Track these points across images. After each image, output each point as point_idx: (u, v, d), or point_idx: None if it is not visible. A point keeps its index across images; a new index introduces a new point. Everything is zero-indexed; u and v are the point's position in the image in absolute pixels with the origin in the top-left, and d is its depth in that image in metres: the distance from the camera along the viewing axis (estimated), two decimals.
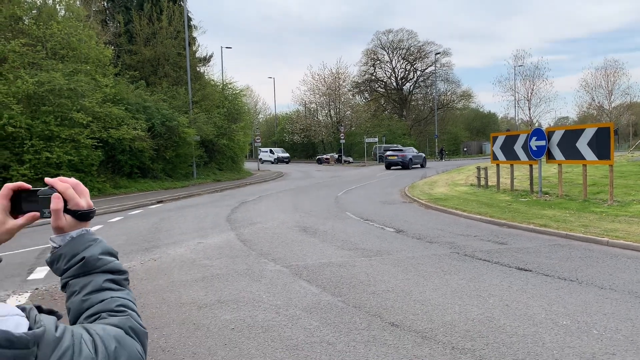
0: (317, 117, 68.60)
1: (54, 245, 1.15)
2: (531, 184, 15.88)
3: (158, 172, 27.14)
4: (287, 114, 73.54)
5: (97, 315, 1.07)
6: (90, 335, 0.96)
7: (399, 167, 38.69)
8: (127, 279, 1.20)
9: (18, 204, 1.13)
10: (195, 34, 38.04)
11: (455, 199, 16.27)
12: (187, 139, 27.79)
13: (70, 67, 21.74)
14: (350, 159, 56.92)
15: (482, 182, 18.98)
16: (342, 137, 54.35)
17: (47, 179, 1.16)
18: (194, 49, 37.64)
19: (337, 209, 15.72)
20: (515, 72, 36.07)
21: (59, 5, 25.03)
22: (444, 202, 15.65)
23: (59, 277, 1.16)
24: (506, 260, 8.07)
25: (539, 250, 8.82)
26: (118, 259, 1.21)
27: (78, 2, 27.95)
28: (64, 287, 1.15)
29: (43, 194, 1.13)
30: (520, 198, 15.04)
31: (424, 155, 44.60)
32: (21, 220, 1.13)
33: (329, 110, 67.58)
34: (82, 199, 1.15)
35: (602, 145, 12.71)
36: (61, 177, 1.17)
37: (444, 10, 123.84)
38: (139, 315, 1.13)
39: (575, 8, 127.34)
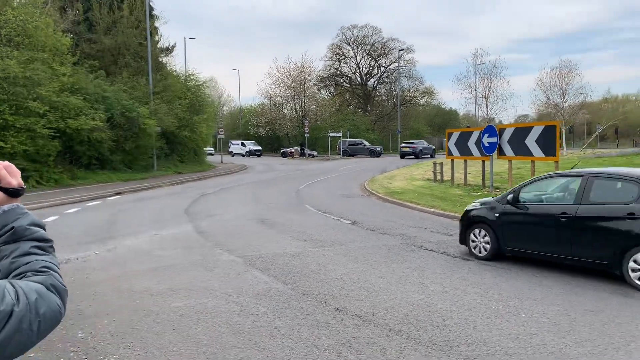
0: (282, 111, 68.56)
1: None
2: (483, 179, 16.49)
3: (117, 163, 26.74)
4: (252, 106, 73.24)
5: (23, 274, 1.26)
6: (14, 287, 1.15)
7: (412, 156, 42.98)
8: (52, 247, 1.39)
9: None
10: (157, 24, 37.46)
11: (412, 192, 16.73)
12: (147, 130, 27.43)
13: (26, 55, 21.18)
14: (315, 153, 57.17)
15: (438, 177, 19.54)
16: (307, 131, 54.56)
17: None
18: (156, 39, 37.10)
19: (297, 202, 15.95)
20: (475, 70, 37.02)
21: None
22: (400, 195, 16.08)
23: None
24: (452, 251, 8.46)
25: None
26: (45, 230, 1.40)
27: None
28: None
29: None
30: (473, 192, 15.60)
31: (433, 147, 48.02)
32: None
33: (294, 104, 67.65)
34: (13, 178, 1.34)
35: (548, 143, 13.32)
36: None
37: (410, 7, 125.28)
38: (60, 276, 1.32)
39: (538, 9, 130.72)
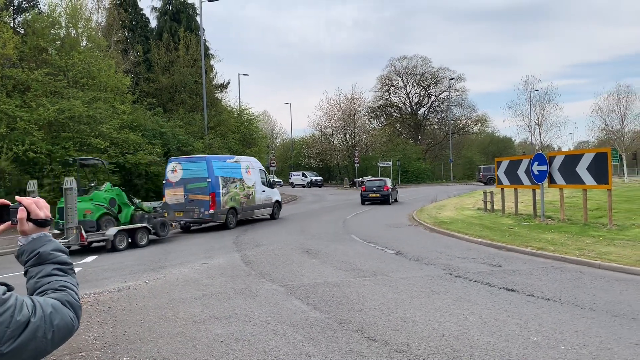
0: (333, 142, 69.31)
1: (20, 243, 1.60)
2: (534, 208, 16.06)
3: None
4: (303, 138, 74.40)
5: (44, 292, 1.50)
6: (32, 301, 1.38)
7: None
8: (72, 269, 1.63)
9: None
10: (212, 62, 39.23)
11: (460, 222, 16.50)
12: None
13: (90, 95, 22.70)
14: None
15: (489, 207, 19.17)
16: (357, 161, 54.80)
17: (17, 197, 1.59)
18: (211, 76, 38.78)
19: (342, 232, 16.05)
20: (526, 98, 36.38)
21: (82, 37, 26.19)
22: (448, 225, 15.89)
23: (23, 267, 1.59)
24: (496, 282, 8.32)
25: (531, 272, 9.04)
26: (67, 255, 1.64)
27: (100, 34, 29.18)
28: (25, 273, 1.59)
29: (13, 207, 1.58)
30: (523, 222, 15.21)
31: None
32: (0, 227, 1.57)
33: (345, 135, 68.28)
34: (41, 211, 1.58)
35: (600, 171, 12.91)
36: (27, 197, 1.60)
37: (460, 35, 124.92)
38: (77, 294, 1.55)
39: (594, 32, 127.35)
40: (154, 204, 16.92)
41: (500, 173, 17.88)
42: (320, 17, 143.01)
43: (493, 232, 13.82)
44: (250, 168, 20.51)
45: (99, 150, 21.72)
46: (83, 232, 13.19)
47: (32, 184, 14.16)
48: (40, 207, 1.60)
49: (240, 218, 19.32)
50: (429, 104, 76.31)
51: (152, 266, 10.76)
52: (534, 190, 16.11)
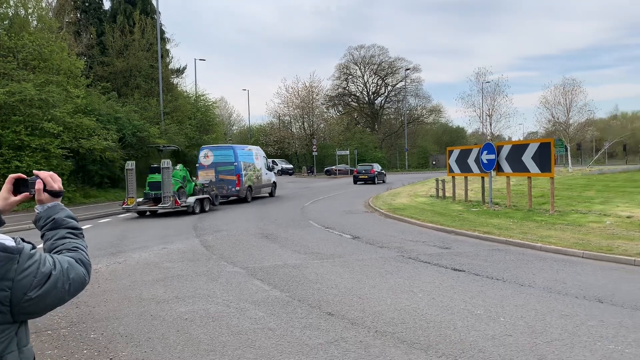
0: (291, 130, 69.44)
1: (37, 211, 1.85)
2: (483, 195, 16.87)
3: None
4: (261, 126, 74.20)
5: (60, 252, 1.76)
6: (52, 257, 1.64)
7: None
8: (81, 233, 1.90)
9: (17, 187, 1.84)
10: (168, 46, 38.57)
11: (413, 208, 17.14)
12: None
13: (42, 78, 22.06)
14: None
15: (441, 194, 19.93)
16: (315, 150, 55.24)
17: (34, 171, 1.85)
18: (167, 61, 38.14)
19: (301, 218, 16.40)
20: (479, 89, 37.63)
21: (31, 17, 25.32)
22: (402, 211, 16.49)
23: (40, 231, 1.84)
24: (445, 262, 8.86)
25: (478, 254, 9.64)
26: (77, 221, 1.89)
27: (50, 14, 28.25)
28: (42, 236, 1.85)
29: (31, 180, 1.83)
30: (472, 208, 15.98)
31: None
32: (19, 197, 1.84)
33: (303, 123, 68.54)
34: (55, 183, 1.84)
35: (544, 160, 13.71)
36: (43, 171, 1.85)
37: (417, 26, 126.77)
38: (87, 254, 1.81)
39: (546, 27, 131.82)
40: (199, 182, 21.13)
41: (452, 162, 18.62)
42: (280, 3, 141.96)
43: (444, 217, 14.49)
44: (258, 155, 25.47)
45: (52, 135, 21.21)
46: (177, 198, 17.94)
47: None
48: (55, 180, 1.85)
49: (254, 195, 24.43)
50: (385, 94, 77.49)
51: (110, 251, 10.81)
52: (482, 178, 16.90)
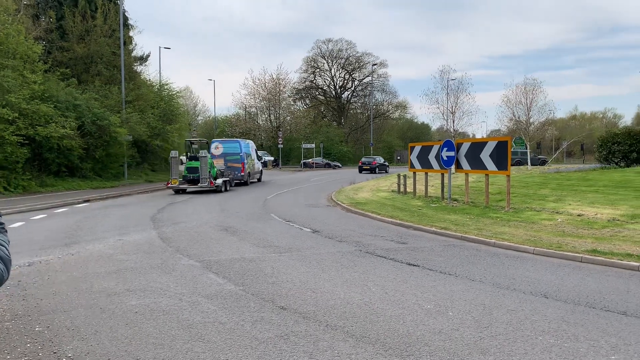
0: (257, 121, 68.99)
1: None
2: (442, 191, 17.17)
3: (87, 171, 26.79)
4: (227, 117, 73.43)
5: None
6: None
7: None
8: (4, 228, 1.83)
9: None
10: (131, 33, 37.66)
11: (374, 203, 17.31)
12: (118, 138, 27.57)
13: None
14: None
15: (402, 189, 20.19)
16: (281, 142, 55.08)
17: None
18: (130, 48, 37.26)
19: (263, 211, 16.36)
20: (444, 86, 38.24)
21: None
22: (363, 206, 16.64)
23: None
24: (400, 257, 9.00)
25: (433, 249, 9.83)
26: (1, 215, 1.84)
27: None
28: None
29: None
30: (432, 204, 16.25)
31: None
32: None
33: (269, 115, 68.20)
34: None
35: (501, 157, 14.05)
36: None
37: (385, 21, 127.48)
38: (7, 249, 1.76)
39: (512, 27, 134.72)
40: (217, 168, 25.81)
41: (413, 157, 18.88)
42: None
43: (403, 212, 14.69)
44: (252, 148, 31.44)
45: (6, 121, 20.48)
46: (212, 179, 23.73)
47: None
48: None
49: (251, 180, 30.22)
50: (352, 88, 77.85)
51: (64, 242, 10.54)
52: (442, 174, 17.20)
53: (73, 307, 5.96)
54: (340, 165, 59.11)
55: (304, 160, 59.49)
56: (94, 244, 10.33)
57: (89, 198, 20.31)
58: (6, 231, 1.85)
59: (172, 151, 24.43)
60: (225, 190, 24.48)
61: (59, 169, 24.87)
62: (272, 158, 59.48)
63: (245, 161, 28.45)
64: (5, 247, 1.76)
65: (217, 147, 28.20)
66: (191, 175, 23.64)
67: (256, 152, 32.51)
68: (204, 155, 23.38)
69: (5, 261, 1.72)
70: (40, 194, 21.75)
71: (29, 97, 22.09)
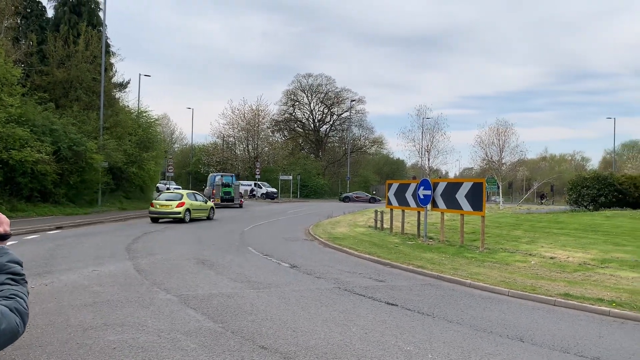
0: (235, 151, 68.98)
1: None
2: (418, 228, 17.39)
3: (60, 197, 26.28)
4: (204, 145, 73.21)
5: None
6: None
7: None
8: (24, 279, 1.83)
9: None
10: (113, 60, 37.63)
11: (352, 238, 17.40)
12: (94, 164, 27.20)
13: None
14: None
15: (379, 225, 20.35)
16: (258, 173, 55.05)
17: None
18: (111, 74, 37.14)
19: (240, 244, 16.27)
20: (419, 125, 39.10)
21: None
22: (340, 241, 16.71)
23: None
24: (379, 296, 9.06)
25: (411, 289, 9.92)
26: (21, 266, 1.84)
27: None
28: None
29: None
30: (408, 241, 16.42)
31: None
32: None
33: (247, 145, 68.32)
34: (1, 226, 1.79)
35: (476, 198, 14.37)
36: None
37: (365, 58, 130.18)
38: (26, 302, 1.75)
39: (486, 69, 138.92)
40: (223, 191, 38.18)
41: (391, 194, 19.13)
42: (231, 24, 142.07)
43: (380, 249, 14.81)
44: (233, 179, 41.70)
45: None
46: (242, 199, 39.77)
47: None
48: (1, 223, 1.80)
49: (233, 204, 39.28)
50: (331, 122, 78.73)
51: (37, 271, 10.30)
52: (419, 212, 17.44)
53: (49, 342, 5.84)
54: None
55: (345, 194, 58.44)
56: (67, 274, 10.13)
57: (62, 225, 19.92)
58: (26, 282, 1.84)
59: (211, 174, 40.05)
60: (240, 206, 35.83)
61: (31, 194, 24.36)
62: (275, 189, 56.80)
63: (234, 188, 39.67)
64: (24, 300, 1.75)
65: (220, 178, 40.39)
66: (226, 197, 38.35)
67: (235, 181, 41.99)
68: (237, 183, 38.68)
69: (22, 314, 1.70)
70: (10, 219, 21.15)
71: (4, 120, 21.79)
